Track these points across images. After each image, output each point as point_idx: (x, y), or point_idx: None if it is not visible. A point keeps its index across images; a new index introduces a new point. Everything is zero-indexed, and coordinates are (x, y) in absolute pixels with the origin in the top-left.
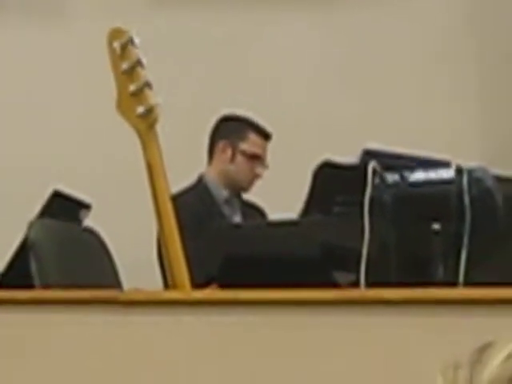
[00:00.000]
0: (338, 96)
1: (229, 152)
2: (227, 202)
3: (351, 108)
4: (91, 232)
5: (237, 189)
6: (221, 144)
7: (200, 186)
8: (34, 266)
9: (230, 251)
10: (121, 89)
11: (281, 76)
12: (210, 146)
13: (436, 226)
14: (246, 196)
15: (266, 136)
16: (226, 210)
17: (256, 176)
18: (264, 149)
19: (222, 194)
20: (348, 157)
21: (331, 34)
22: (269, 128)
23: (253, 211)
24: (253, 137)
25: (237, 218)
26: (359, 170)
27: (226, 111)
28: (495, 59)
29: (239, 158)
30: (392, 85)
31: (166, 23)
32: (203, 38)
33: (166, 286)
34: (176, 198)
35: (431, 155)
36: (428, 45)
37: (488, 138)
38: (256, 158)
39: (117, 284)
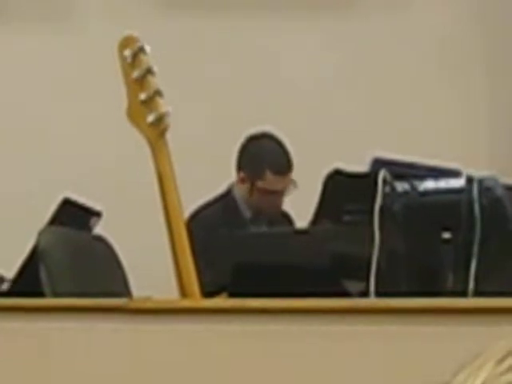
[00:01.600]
0: (349, 105)
1: (248, 185)
2: (253, 221)
3: (362, 117)
4: (101, 240)
5: (261, 213)
6: (241, 174)
7: (229, 198)
8: (43, 274)
9: (239, 260)
10: (131, 97)
11: (290, 84)
12: (237, 165)
13: (446, 235)
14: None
15: (285, 172)
16: (251, 226)
17: (278, 206)
18: (284, 182)
19: (247, 213)
20: (358, 165)
21: (341, 42)
22: (281, 136)
23: (282, 223)
24: (270, 176)
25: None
26: (369, 178)
27: (252, 130)
28: (505, 67)
29: (257, 194)
30: (402, 93)
31: (175, 28)
32: (211, 43)
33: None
34: (204, 208)
35: (441, 164)
36: (438, 53)
37: (498, 147)
38: (275, 193)
39: (127, 292)
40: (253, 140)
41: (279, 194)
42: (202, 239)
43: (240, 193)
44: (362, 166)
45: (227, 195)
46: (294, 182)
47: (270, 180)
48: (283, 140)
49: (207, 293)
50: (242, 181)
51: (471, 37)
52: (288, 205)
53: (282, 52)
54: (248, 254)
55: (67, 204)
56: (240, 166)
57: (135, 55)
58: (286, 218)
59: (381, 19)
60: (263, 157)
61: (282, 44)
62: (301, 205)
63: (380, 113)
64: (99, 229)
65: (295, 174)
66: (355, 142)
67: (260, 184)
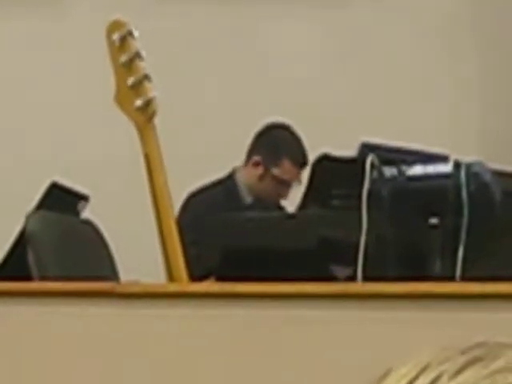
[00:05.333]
0: (337, 89)
1: (260, 170)
2: (252, 207)
3: (350, 102)
4: (89, 224)
5: (260, 200)
6: (255, 158)
7: (229, 182)
8: (31, 258)
9: (227, 244)
10: (119, 81)
11: (279, 70)
12: (250, 150)
13: (433, 221)
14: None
15: (302, 164)
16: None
17: (280, 197)
18: (296, 174)
19: (247, 199)
20: (346, 150)
21: (331, 27)
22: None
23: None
24: (287, 164)
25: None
26: (357, 163)
27: (271, 119)
28: (495, 54)
29: (268, 180)
30: (391, 79)
31: (168, 16)
32: (205, 32)
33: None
34: (202, 191)
35: (429, 149)
36: (427, 39)
37: (486, 133)
38: (285, 183)
39: (114, 276)
40: (272, 128)
41: (287, 185)
42: (197, 221)
43: (244, 178)
44: (349, 151)
45: (228, 179)
46: (300, 179)
47: (286, 168)
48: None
49: (195, 277)
50: (255, 165)
51: (462, 20)
52: None
53: (271, 39)
54: (236, 237)
55: (55, 188)
56: (255, 150)
57: (123, 39)
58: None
59: (369, 5)
60: (283, 144)
61: (271, 31)
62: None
63: (368, 98)
64: (87, 213)
65: None
66: (343, 126)
67: (275, 171)
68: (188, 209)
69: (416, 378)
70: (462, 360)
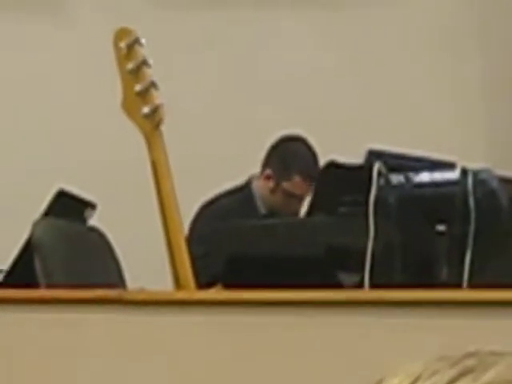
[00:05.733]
0: (344, 96)
1: (271, 184)
2: (265, 217)
3: (357, 108)
4: (96, 231)
5: (273, 212)
6: (267, 172)
7: (246, 191)
8: (38, 265)
9: (234, 251)
10: (126, 88)
11: (285, 76)
12: (264, 162)
13: (440, 228)
14: None
15: (313, 178)
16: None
17: (296, 211)
18: (308, 189)
19: (261, 209)
20: (353, 157)
21: (336, 33)
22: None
23: None
24: (298, 179)
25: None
26: (364, 170)
27: (284, 132)
28: (500, 60)
29: (279, 194)
30: (397, 86)
31: (170, 21)
32: (207, 37)
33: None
34: (219, 198)
35: (436, 156)
36: (433, 45)
37: (493, 140)
38: (296, 197)
39: (121, 284)
40: (286, 141)
41: (300, 199)
42: (211, 231)
43: (259, 189)
44: (356, 158)
45: (245, 188)
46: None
47: (296, 183)
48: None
49: (202, 284)
50: (267, 178)
51: (467, 27)
52: None
53: (276, 43)
54: (243, 245)
55: (62, 195)
56: (268, 164)
57: (130, 47)
58: None
59: (374, 9)
60: (294, 159)
61: (276, 35)
62: None
63: (375, 105)
64: (94, 220)
65: None
66: (350, 133)
67: (286, 185)
68: (202, 219)
69: None
70: (452, 372)
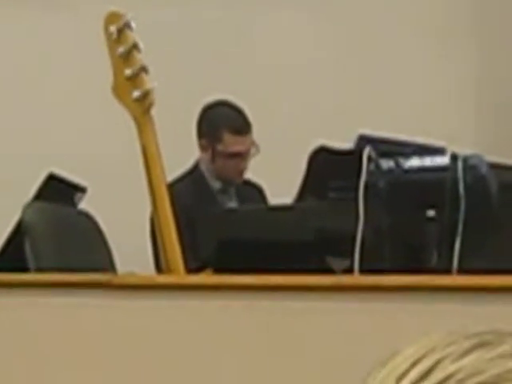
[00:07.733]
0: (335, 82)
1: (209, 152)
2: (222, 191)
3: (347, 94)
4: (86, 215)
5: (227, 181)
6: (202, 142)
7: (196, 172)
8: (28, 249)
9: (224, 236)
10: (117, 73)
11: (277, 63)
12: (197, 136)
13: (430, 213)
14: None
15: (242, 131)
16: (220, 197)
17: (242, 170)
18: (244, 143)
19: (215, 184)
20: (343, 142)
21: (326, 19)
22: (263, 114)
23: (250, 194)
24: (227, 137)
25: (232, 205)
26: (354, 155)
27: (210, 98)
28: (493, 47)
29: (219, 159)
30: (388, 71)
31: (164, 7)
32: (199, 25)
33: (159, 269)
34: (173, 185)
35: (426, 142)
36: (425, 30)
37: (483, 126)
38: (237, 155)
39: (111, 267)
40: (209, 108)
41: (241, 158)
42: (203, 213)
43: (205, 164)
44: (347, 143)
45: (194, 169)
46: (256, 145)
47: (227, 141)
48: (269, 117)
49: (192, 269)
50: (203, 149)
51: (460, 12)
52: (273, 181)
53: (268, 30)
54: (233, 230)
55: (52, 179)
56: (200, 135)
57: (121, 31)
58: (257, 190)
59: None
60: (220, 120)
61: (268, 23)
62: (286, 181)
63: (365, 90)
64: (84, 204)
65: (280, 151)
66: (341, 118)
67: (219, 147)
68: None
69: (421, 359)
70: (467, 344)
